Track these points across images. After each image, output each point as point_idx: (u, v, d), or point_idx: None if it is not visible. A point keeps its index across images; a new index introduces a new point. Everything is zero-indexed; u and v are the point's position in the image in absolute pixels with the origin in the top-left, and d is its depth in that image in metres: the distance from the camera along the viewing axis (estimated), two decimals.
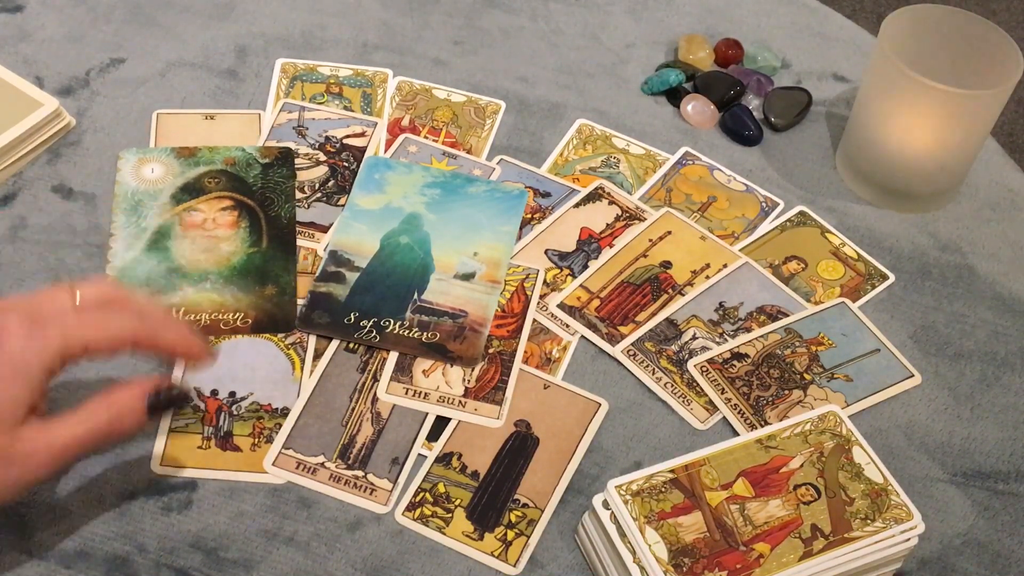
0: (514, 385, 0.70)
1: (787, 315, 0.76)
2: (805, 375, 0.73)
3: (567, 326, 0.75)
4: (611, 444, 0.69)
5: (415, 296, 0.74)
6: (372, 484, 0.66)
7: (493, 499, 0.65)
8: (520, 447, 0.68)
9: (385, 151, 0.84)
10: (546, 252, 0.79)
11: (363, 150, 0.83)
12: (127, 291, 0.62)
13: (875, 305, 0.78)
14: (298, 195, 0.80)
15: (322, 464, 0.66)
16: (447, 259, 0.76)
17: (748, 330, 0.75)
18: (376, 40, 0.93)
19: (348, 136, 0.84)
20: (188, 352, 0.61)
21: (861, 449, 0.63)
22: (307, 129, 0.84)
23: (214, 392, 0.69)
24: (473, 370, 0.71)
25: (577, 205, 0.82)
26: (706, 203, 0.83)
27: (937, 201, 0.85)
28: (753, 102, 0.91)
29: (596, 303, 0.76)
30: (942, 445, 0.71)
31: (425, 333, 0.72)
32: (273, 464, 0.66)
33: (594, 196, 0.82)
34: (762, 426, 0.69)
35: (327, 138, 0.84)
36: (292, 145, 0.83)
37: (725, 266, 0.78)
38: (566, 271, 0.78)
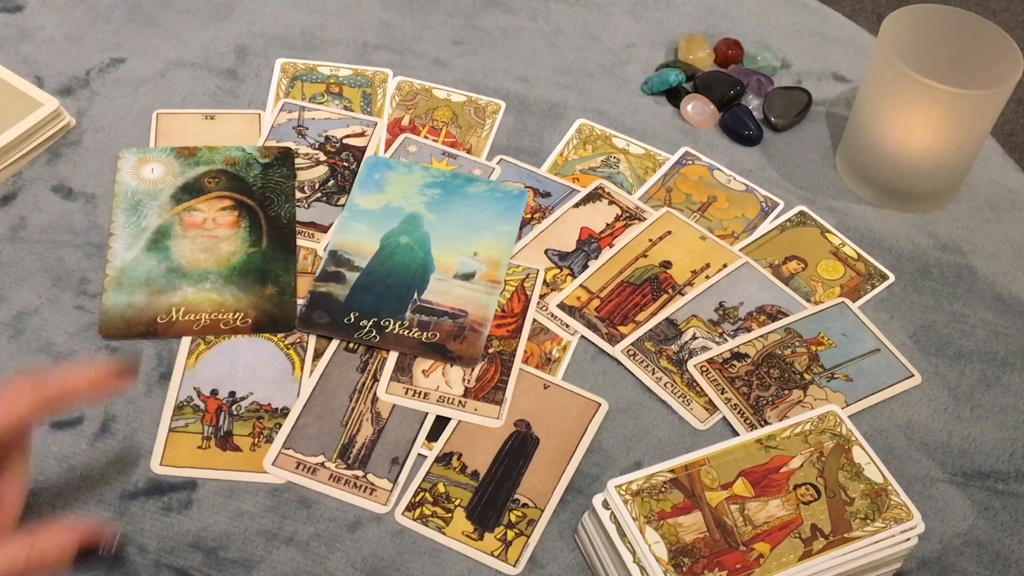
0: (514, 385, 0.70)
1: (787, 315, 0.76)
2: (805, 375, 0.72)
3: (567, 326, 0.75)
4: (611, 444, 0.69)
5: (415, 296, 0.74)
6: (372, 484, 0.66)
7: (493, 499, 0.65)
8: (520, 447, 0.68)
9: (385, 151, 0.84)
10: (546, 252, 0.79)
11: (363, 150, 0.83)
12: (16, 380, 0.54)
13: (875, 305, 0.78)
14: (298, 195, 0.80)
15: (322, 464, 0.66)
16: (447, 259, 0.76)
17: (748, 330, 0.75)
18: (376, 40, 0.93)
19: (348, 136, 0.84)
20: (101, 387, 0.55)
21: (861, 449, 0.63)
22: (307, 129, 0.84)
23: (214, 392, 0.69)
24: (473, 370, 0.71)
25: (577, 205, 0.82)
26: (706, 203, 0.83)
27: (937, 201, 0.85)
28: (753, 102, 0.91)
29: (596, 303, 0.76)
30: (942, 445, 0.71)
31: (425, 333, 0.72)
32: (273, 464, 0.66)
33: (594, 196, 0.82)
34: (762, 426, 0.69)
35: (327, 138, 0.84)
36: (292, 145, 0.83)
37: (725, 266, 0.78)
38: (566, 271, 0.78)
